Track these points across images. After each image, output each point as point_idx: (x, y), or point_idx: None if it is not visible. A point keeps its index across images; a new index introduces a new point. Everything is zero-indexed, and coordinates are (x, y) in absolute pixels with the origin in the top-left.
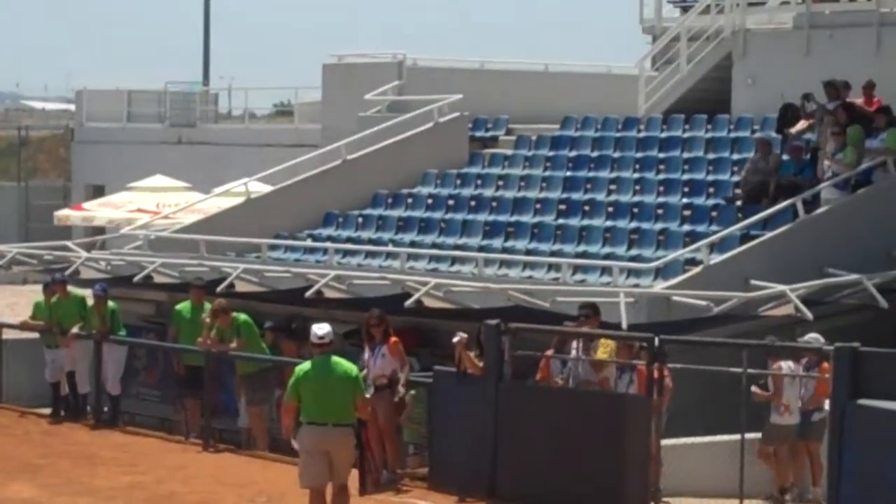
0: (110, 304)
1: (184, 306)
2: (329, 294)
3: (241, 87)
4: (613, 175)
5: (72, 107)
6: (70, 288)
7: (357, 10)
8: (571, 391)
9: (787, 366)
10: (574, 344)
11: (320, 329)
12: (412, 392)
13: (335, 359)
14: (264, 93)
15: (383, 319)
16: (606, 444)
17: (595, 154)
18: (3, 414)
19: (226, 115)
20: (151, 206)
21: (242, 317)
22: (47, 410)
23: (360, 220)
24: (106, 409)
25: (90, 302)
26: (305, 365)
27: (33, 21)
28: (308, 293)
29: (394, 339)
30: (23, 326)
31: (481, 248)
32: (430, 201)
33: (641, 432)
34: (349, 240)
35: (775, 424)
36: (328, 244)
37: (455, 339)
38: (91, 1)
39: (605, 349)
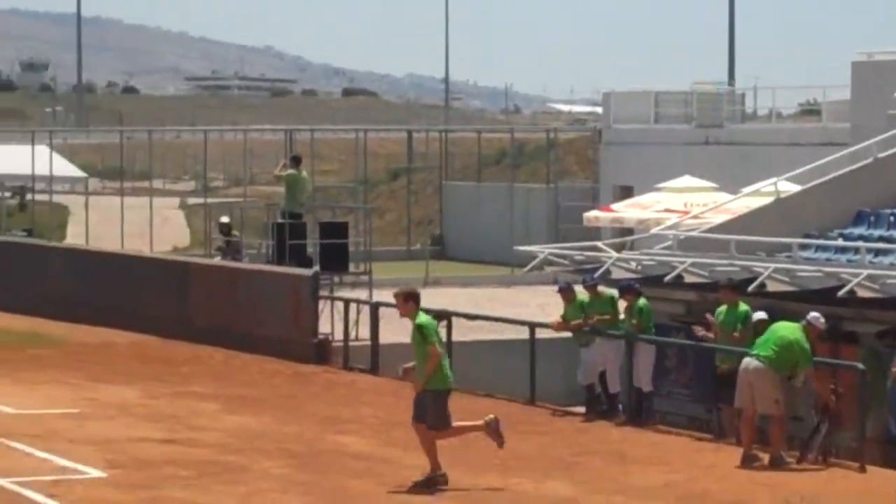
0: (641, 301)
1: (721, 309)
2: (862, 294)
3: (767, 86)
4: None
5: (598, 109)
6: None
7: (888, 7)
8: None
9: None
10: None
11: None
12: None
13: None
14: (790, 92)
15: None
16: None
17: None
18: (537, 412)
19: (752, 115)
20: (679, 206)
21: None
22: (581, 409)
23: (892, 218)
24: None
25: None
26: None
27: (559, 25)
28: (840, 293)
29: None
30: (556, 327)
31: None
32: None
33: None
34: (881, 239)
35: None
36: (860, 243)
37: None
38: (617, 5)
39: None
